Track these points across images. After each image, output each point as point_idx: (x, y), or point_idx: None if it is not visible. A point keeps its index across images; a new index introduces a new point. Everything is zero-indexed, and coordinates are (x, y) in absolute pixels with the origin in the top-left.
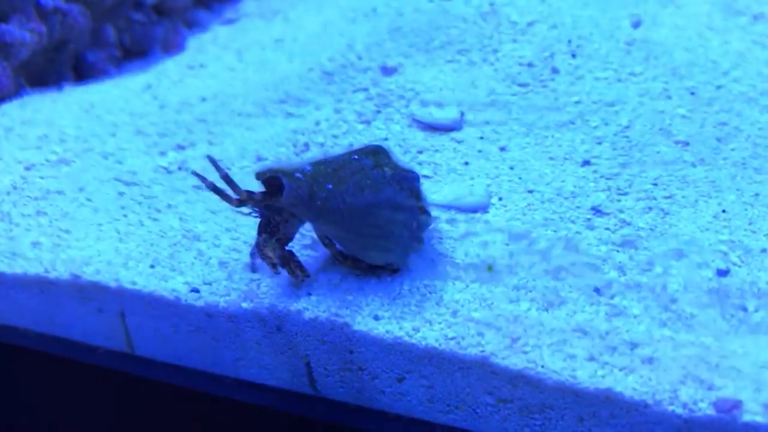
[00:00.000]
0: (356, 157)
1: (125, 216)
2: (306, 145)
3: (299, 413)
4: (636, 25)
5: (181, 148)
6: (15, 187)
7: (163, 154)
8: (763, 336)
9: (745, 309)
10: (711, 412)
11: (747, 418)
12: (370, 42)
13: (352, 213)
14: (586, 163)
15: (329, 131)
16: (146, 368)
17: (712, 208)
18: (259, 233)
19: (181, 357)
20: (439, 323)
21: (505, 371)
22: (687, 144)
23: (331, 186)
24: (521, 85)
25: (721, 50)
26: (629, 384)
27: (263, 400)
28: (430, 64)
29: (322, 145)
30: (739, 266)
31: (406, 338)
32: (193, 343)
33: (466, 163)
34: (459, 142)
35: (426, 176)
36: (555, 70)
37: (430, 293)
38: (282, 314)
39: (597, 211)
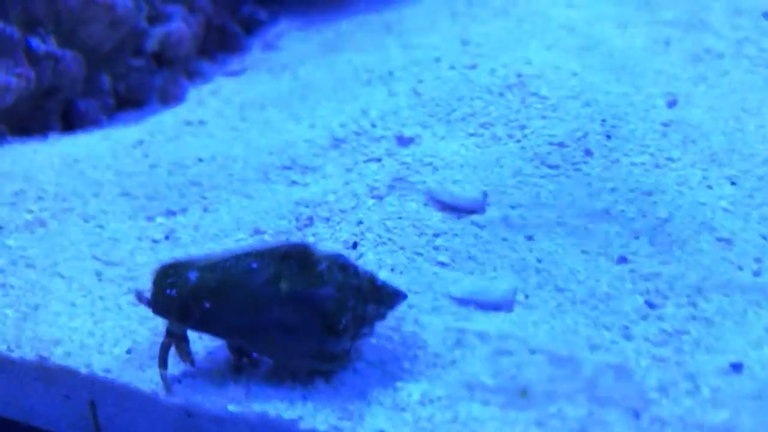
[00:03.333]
0: (255, 266)
1: (101, 295)
2: (310, 219)
3: None
4: (671, 104)
5: (171, 213)
6: None
7: (150, 219)
8: None
9: None
10: None
11: None
12: (386, 109)
13: (235, 332)
14: (622, 260)
15: (336, 205)
16: None
17: (763, 320)
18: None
19: None
20: None
21: None
22: (730, 242)
23: (208, 305)
24: (551, 166)
25: (759, 135)
26: None
27: None
28: (451, 136)
29: (327, 219)
30: None
31: None
32: None
33: (488, 252)
34: (481, 227)
35: (442, 263)
36: (588, 152)
37: (443, 407)
38: (274, 424)
39: (634, 317)
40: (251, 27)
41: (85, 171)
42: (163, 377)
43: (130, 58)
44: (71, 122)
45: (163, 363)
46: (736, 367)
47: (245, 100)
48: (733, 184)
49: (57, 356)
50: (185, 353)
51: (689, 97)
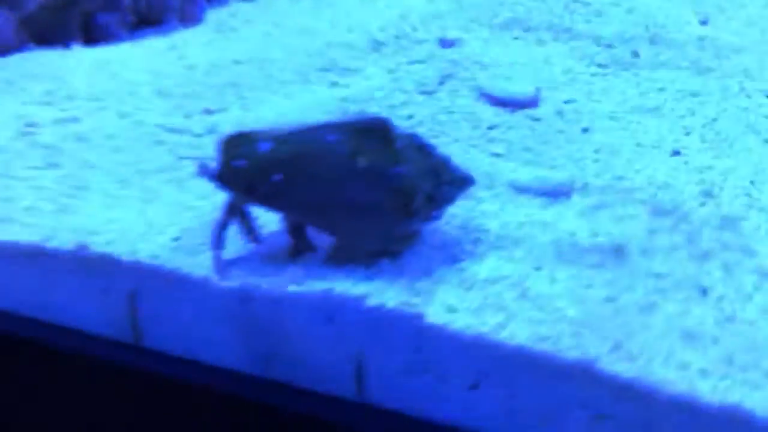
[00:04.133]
0: (332, 139)
1: (143, 185)
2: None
3: (345, 422)
4: (704, 23)
5: (209, 112)
6: (13, 145)
7: (188, 116)
8: None
9: None
10: None
11: None
12: (426, 13)
13: (302, 208)
14: (676, 153)
15: (385, 101)
16: (156, 362)
17: None
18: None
19: (198, 350)
20: (527, 320)
21: (611, 381)
22: None
23: (278, 177)
24: (601, 65)
25: None
26: (755, 399)
27: (299, 406)
28: (495, 39)
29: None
30: None
31: (491, 336)
32: (218, 334)
33: (545, 143)
34: (535, 119)
35: (498, 154)
36: (636, 54)
37: (511, 284)
38: (338, 301)
39: (693, 204)
40: None
41: (119, 72)
42: (217, 258)
43: None
44: (92, 36)
45: (217, 242)
46: None
47: (271, 19)
48: (767, 97)
49: (97, 245)
50: (249, 229)
51: (716, 20)
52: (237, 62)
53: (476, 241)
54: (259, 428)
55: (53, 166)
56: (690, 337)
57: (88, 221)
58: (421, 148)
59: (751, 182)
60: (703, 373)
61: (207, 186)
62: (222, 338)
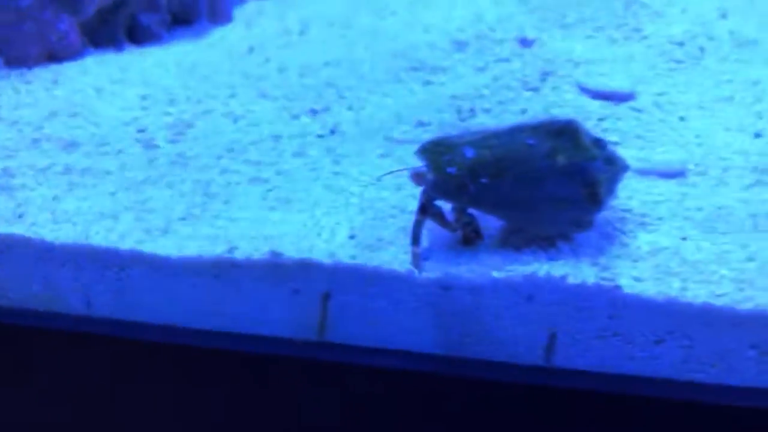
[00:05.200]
0: (531, 141)
1: (288, 185)
2: (471, 110)
3: (536, 384)
4: (724, 16)
5: (314, 112)
6: (132, 153)
7: (295, 117)
8: None
9: None
10: None
11: None
12: (498, 15)
13: (506, 205)
14: (758, 135)
15: (494, 97)
16: (341, 354)
17: None
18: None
19: (388, 338)
20: (699, 281)
21: None
22: None
23: (485, 180)
24: (677, 61)
25: None
26: None
27: (494, 375)
28: (570, 38)
29: (488, 111)
30: None
31: (679, 298)
32: (412, 322)
33: (652, 131)
34: (638, 111)
35: (615, 143)
36: (702, 49)
37: (670, 254)
38: (539, 282)
39: None
40: None
41: (210, 75)
42: (416, 255)
43: None
44: (135, 36)
45: (417, 240)
46: None
47: (303, 17)
48: None
49: (288, 251)
50: (448, 223)
51: (734, 13)
52: (327, 64)
53: (623, 220)
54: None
55: (187, 171)
56: None
57: (255, 227)
58: (597, 141)
59: None
60: None
61: (352, 185)
62: (421, 327)
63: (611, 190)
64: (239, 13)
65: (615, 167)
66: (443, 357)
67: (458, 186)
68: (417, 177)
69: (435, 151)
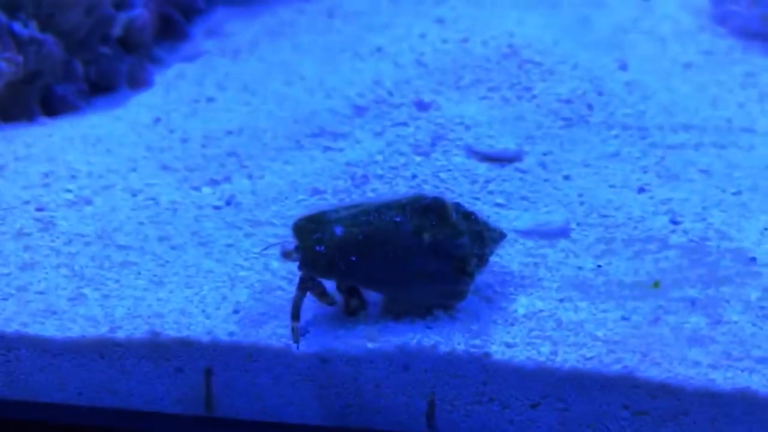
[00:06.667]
0: (399, 219)
1: (180, 260)
2: (364, 177)
3: None
4: (623, 68)
5: (215, 182)
6: (29, 233)
7: (196, 189)
8: None
9: None
10: None
11: None
12: (397, 79)
13: (377, 281)
14: (641, 190)
15: (386, 163)
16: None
17: (754, 226)
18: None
19: (273, 412)
20: (570, 344)
21: (648, 383)
22: (707, 172)
23: (354, 258)
24: (565, 119)
25: (687, 91)
26: (757, 382)
27: None
28: (465, 100)
29: (381, 177)
30: None
31: (548, 363)
32: (295, 395)
33: (536, 192)
34: (524, 172)
35: (500, 204)
36: (590, 107)
37: (546, 316)
38: (412, 351)
39: (666, 232)
40: (191, 15)
41: (113, 149)
42: (294, 330)
43: (99, 44)
44: (51, 107)
45: (296, 316)
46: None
47: (219, 81)
48: (686, 130)
49: (168, 328)
50: (327, 298)
51: (630, 62)
52: (229, 132)
53: (504, 283)
54: None
55: (81, 249)
56: (693, 340)
57: (142, 305)
58: (467, 215)
59: (704, 208)
60: (713, 367)
61: (242, 258)
62: (304, 399)
63: (484, 261)
64: (160, 78)
65: (487, 239)
66: (327, 428)
67: (328, 264)
68: (286, 255)
69: (306, 229)
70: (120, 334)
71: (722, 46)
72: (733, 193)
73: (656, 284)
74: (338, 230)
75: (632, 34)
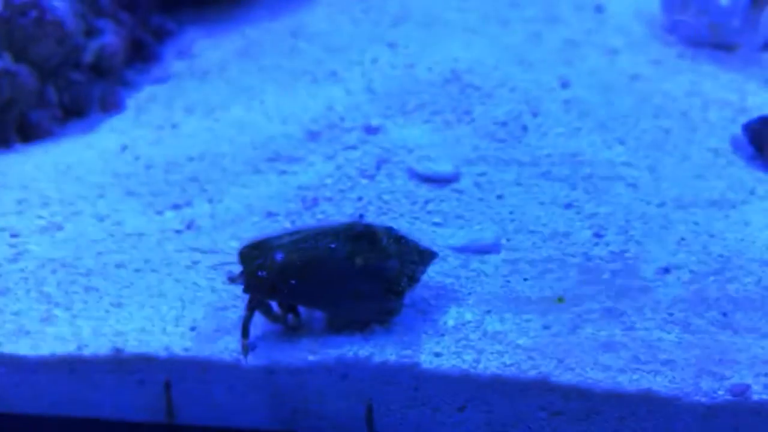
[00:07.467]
0: (334, 245)
1: (145, 284)
2: (314, 200)
3: None
4: (565, 85)
5: (177, 207)
6: (7, 259)
7: (159, 213)
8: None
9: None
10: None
11: (755, 397)
12: (348, 105)
13: (317, 302)
14: (569, 206)
15: (335, 186)
16: None
17: (673, 236)
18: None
19: (228, 418)
20: (493, 353)
21: (561, 387)
22: (635, 186)
23: (294, 281)
24: (500, 141)
25: (627, 103)
26: (659, 383)
27: None
28: (409, 124)
29: (330, 199)
30: None
31: (471, 370)
32: (247, 403)
33: (471, 210)
34: (460, 192)
35: (437, 223)
36: (524, 128)
37: (473, 327)
38: (349, 362)
39: (589, 245)
40: (161, 37)
41: (82, 176)
42: (244, 345)
43: (71, 71)
44: (26, 133)
45: (245, 333)
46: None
47: (188, 104)
48: (621, 143)
49: (127, 345)
50: (273, 316)
51: (571, 78)
52: (191, 159)
53: (438, 296)
54: None
55: (52, 274)
56: (606, 346)
57: (105, 325)
58: (398, 239)
59: (627, 221)
60: (621, 371)
61: (201, 278)
62: (256, 406)
63: (415, 280)
64: (132, 102)
65: (417, 260)
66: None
67: (270, 287)
68: (232, 279)
69: (249, 256)
70: (86, 352)
71: (671, 55)
72: (657, 205)
73: (560, 299)
74: (278, 256)
75: (583, 47)
